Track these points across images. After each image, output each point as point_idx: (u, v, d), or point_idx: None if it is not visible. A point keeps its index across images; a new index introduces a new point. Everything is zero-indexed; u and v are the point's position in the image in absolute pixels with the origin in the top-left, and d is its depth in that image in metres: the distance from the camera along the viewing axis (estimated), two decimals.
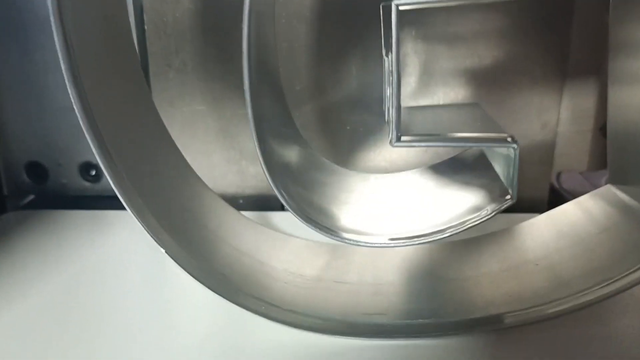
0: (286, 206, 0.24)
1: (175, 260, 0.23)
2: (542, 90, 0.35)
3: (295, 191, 0.25)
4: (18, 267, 0.31)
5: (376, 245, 0.24)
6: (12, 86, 0.38)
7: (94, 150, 0.21)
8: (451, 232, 0.23)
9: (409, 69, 0.35)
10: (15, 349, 0.23)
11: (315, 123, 0.37)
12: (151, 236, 0.22)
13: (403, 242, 0.24)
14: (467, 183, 0.27)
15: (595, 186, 0.39)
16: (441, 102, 0.34)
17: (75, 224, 0.36)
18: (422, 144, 0.23)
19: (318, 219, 0.24)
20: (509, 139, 0.22)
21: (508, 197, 0.23)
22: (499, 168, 0.25)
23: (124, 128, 0.23)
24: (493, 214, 0.23)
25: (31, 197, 0.41)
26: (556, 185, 0.40)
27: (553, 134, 0.36)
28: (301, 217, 0.24)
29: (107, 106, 0.22)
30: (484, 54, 0.35)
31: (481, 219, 0.23)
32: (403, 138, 0.22)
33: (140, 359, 0.23)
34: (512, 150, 0.22)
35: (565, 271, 0.25)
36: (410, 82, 0.36)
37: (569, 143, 0.36)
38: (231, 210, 0.29)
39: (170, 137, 0.27)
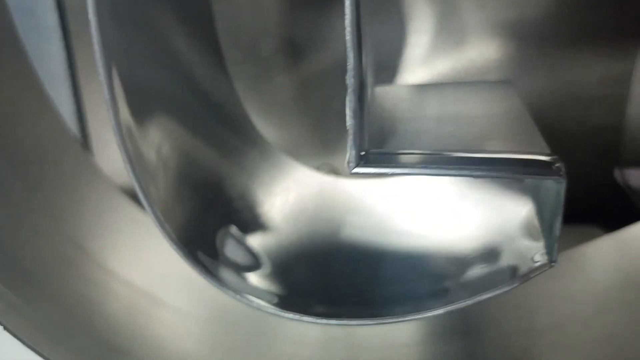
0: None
1: None
2: (609, 55, 0.24)
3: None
4: None
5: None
6: None
7: None
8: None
9: (418, 24, 0.25)
10: None
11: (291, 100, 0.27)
12: None
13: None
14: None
15: None
16: (458, 78, 0.25)
17: None
18: (398, 170, 0.13)
19: None
20: (555, 167, 0.13)
21: (544, 260, 0.13)
22: (534, 203, 0.15)
23: None
24: (514, 285, 0.14)
25: None
26: (620, 182, 0.30)
27: (621, 114, 0.26)
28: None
29: None
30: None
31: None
32: (360, 169, 0.13)
33: None
34: (558, 185, 0.13)
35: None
36: (420, 43, 0.26)
37: None
38: None
39: None
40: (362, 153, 0.13)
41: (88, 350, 0.18)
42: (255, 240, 0.18)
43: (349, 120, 0.13)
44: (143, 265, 0.21)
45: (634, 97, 0.27)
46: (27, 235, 0.18)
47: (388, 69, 0.27)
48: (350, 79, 0.13)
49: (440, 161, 0.13)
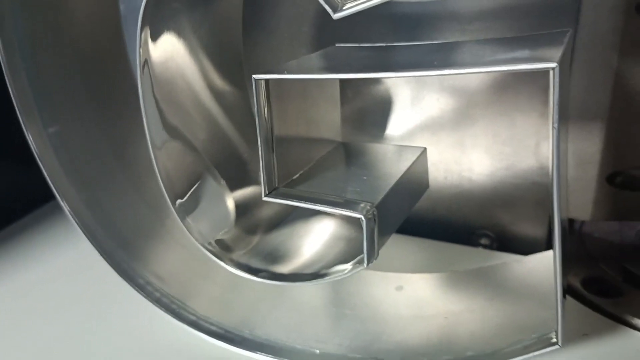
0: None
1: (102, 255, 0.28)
2: (542, 129, 0.31)
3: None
4: None
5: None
6: None
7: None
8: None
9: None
10: None
11: None
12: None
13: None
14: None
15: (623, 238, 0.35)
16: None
17: None
18: (294, 203, 0.24)
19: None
20: (360, 207, 0.22)
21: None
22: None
23: None
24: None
25: None
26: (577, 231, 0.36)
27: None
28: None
29: None
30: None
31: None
32: (268, 199, 0.24)
33: None
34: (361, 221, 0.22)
35: None
36: None
37: (571, 189, 0.32)
38: None
39: None
40: (273, 188, 0.24)
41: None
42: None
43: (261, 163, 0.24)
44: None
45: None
46: (121, 204, 0.31)
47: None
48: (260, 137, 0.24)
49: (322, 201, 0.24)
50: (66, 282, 0.35)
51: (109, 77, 0.31)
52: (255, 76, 0.22)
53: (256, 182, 0.30)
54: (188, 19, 0.26)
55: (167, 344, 0.28)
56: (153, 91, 0.25)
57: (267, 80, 0.23)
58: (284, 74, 0.22)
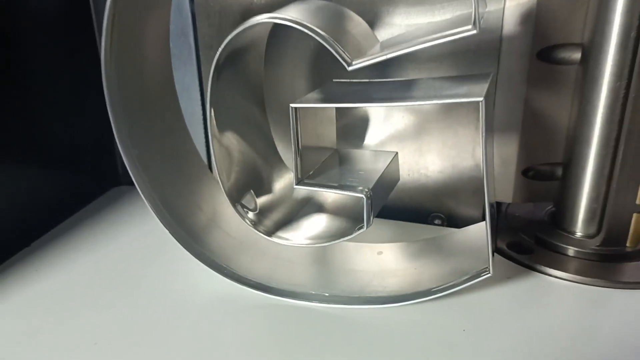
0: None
1: (173, 236, 0.39)
2: (476, 138, 0.44)
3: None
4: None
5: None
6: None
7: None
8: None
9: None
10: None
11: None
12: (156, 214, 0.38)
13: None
14: None
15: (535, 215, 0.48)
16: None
17: None
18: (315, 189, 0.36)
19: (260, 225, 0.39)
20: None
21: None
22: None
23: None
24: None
25: None
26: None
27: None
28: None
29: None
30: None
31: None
32: (297, 186, 0.35)
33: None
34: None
35: None
36: None
37: (497, 181, 0.45)
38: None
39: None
40: (299, 180, 0.36)
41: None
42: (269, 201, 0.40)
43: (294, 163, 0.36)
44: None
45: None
46: (180, 203, 0.42)
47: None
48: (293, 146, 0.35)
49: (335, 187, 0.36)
50: (141, 255, 0.45)
51: (168, 111, 0.42)
52: (292, 105, 0.34)
53: (274, 181, 0.42)
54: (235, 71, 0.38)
55: (220, 294, 0.39)
56: (217, 125, 0.36)
57: (296, 108, 0.35)
58: (314, 103, 0.34)
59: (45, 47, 0.47)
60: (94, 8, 0.51)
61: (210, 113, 0.36)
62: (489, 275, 0.36)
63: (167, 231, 0.39)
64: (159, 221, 0.39)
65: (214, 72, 0.35)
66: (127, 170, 0.37)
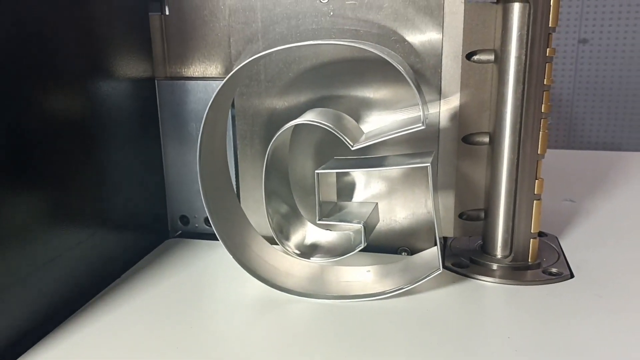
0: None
1: (237, 262, 0.59)
2: (427, 194, 0.67)
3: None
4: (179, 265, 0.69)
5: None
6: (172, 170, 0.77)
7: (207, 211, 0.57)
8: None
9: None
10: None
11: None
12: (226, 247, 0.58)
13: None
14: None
15: (469, 245, 0.70)
16: None
17: (201, 247, 0.74)
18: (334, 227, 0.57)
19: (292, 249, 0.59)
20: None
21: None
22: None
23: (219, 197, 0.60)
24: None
25: (180, 232, 0.80)
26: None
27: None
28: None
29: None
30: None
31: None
32: (319, 221, 0.57)
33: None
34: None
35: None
36: None
37: (442, 222, 0.67)
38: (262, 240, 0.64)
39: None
40: (320, 218, 0.57)
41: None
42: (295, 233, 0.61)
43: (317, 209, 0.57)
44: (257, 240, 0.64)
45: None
46: (237, 242, 0.62)
47: None
48: (317, 199, 0.57)
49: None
50: (198, 285, 0.64)
51: (225, 184, 0.63)
52: (317, 171, 0.56)
53: (298, 227, 0.63)
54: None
55: (256, 294, 0.59)
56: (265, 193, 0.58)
57: (318, 173, 0.56)
58: (331, 169, 0.56)
59: (118, 138, 0.66)
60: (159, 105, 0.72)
61: (262, 194, 0.57)
62: (439, 272, 0.57)
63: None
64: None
65: (266, 166, 0.57)
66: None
